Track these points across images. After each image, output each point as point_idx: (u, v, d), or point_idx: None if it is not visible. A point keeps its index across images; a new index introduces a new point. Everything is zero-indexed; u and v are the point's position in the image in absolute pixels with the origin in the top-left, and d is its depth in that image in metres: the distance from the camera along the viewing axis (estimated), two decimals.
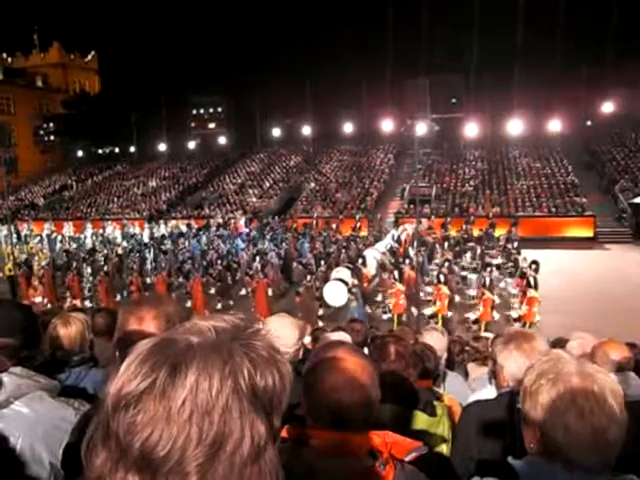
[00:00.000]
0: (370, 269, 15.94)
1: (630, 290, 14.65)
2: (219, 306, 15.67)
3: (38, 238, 26.63)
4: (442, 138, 34.28)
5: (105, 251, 22.36)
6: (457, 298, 15.03)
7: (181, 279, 17.71)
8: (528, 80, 36.54)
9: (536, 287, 12.90)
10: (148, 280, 18.19)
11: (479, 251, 18.38)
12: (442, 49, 40.80)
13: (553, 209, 25.34)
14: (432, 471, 1.26)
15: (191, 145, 44.90)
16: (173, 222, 29.19)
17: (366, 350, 2.74)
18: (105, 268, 18.33)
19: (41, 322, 2.22)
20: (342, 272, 13.76)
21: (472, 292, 14.99)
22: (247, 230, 25.68)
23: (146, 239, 25.58)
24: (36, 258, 21.46)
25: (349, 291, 13.09)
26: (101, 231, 27.99)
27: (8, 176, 34.10)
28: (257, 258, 17.56)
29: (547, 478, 1.13)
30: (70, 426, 1.45)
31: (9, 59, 56.95)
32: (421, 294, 14.55)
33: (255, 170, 37.78)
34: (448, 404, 2.44)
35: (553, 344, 4.25)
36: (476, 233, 22.10)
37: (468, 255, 17.91)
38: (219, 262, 18.02)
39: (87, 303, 16.20)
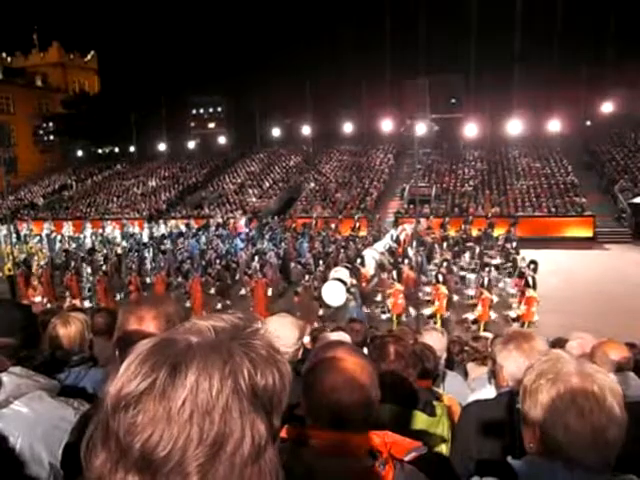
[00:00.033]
0: (369, 269, 15.95)
1: (629, 290, 14.65)
2: (219, 306, 15.67)
3: (37, 238, 26.60)
4: (442, 138, 34.31)
5: (105, 251, 22.36)
6: (455, 298, 15.05)
7: (180, 279, 17.72)
8: (528, 80, 36.58)
9: (534, 287, 12.90)
10: (148, 280, 18.20)
11: (478, 251, 18.39)
12: (442, 49, 40.79)
13: (553, 209, 25.35)
14: (431, 471, 1.26)
15: (191, 145, 44.90)
16: (173, 222, 29.20)
17: (366, 350, 2.74)
18: (104, 268, 18.34)
19: (40, 322, 2.23)
20: (340, 272, 13.76)
21: (471, 292, 15.01)
22: (247, 230, 25.68)
23: (145, 239, 25.59)
24: (35, 258, 21.44)
25: (348, 291, 13.10)
26: (101, 231, 27.98)
27: (8, 176, 34.10)
28: (256, 258, 17.56)
29: (547, 477, 1.13)
30: (70, 426, 1.45)
31: (9, 59, 56.92)
32: (419, 294, 14.57)
33: (255, 170, 37.78)
34: (447, 404, 2.45)
35: (552, 344, 4.25)
36: (475, 233, 22.11)
37: (467, 255, 17.92)
38: (218, 262, 18.02)
39: (87, 303, 16.19)
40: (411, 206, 26.27)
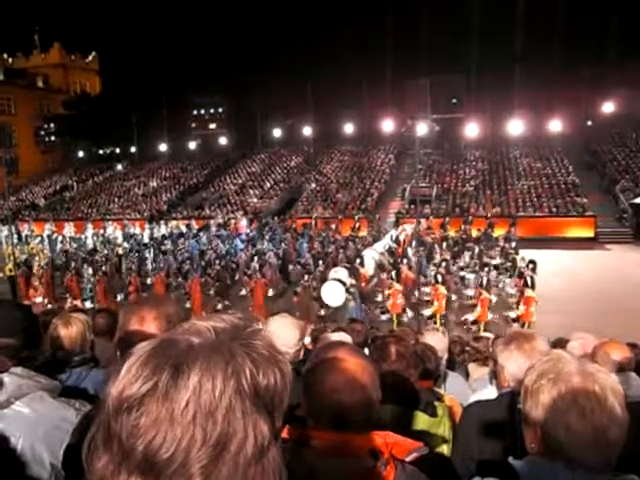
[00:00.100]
0: (368, 269, 15.96)
1: (631, 290, 14.64)
2: (219, 306, 15.67)
3: (39, 238, 26.65)
4: (443, 138, 34.32)
5: (105, 251, 22.38)
6: (453, 297, 15.04)
7: (180, 279, 17.73)
8: (529, 80, 36.55)
9: (533, 287, 12.88)
10: (148, 281, 18.20)
11: (477, 251, 18.38)
12: (443, 49, 40.82)
13: (554, 209, 25.33)
14: (433, 471, 1.26)
15: (192, 145, 44.94)
16: (173, 222, 29.22)
17: (366, 350, 2.74)
18: (103, 268, 18.35)
19: (42, 322, 2.22)
20: (340, 272, 13.77)
21: (470, 292, 15.01)
22: (248, 230, 25.70)
23: (146, 239, 25.61)
24: (36, 258, 21.46)
25: (347, 291, 13.11)
26: (102, 231, 28.01)
27: (9, 177, 34.19)
28: (255, 258, 17.57)
29: (548, 478, 1.13)
30: (71, 427, 1.45)
31: (10, 59, 56.98)
32: (416, 294, 14.59)
33: (256, 170, 37.78)
34: (449, 404, 2.44)
35: (554, 344, 4.24)
36: (475, 233, 22.11)
37: (467, 255, 17.91)
38: (217, 262, 18.03)
39: (88, 304, 16.20)
40: (412, 206, 26.27)
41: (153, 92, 45.86)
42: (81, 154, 47.92)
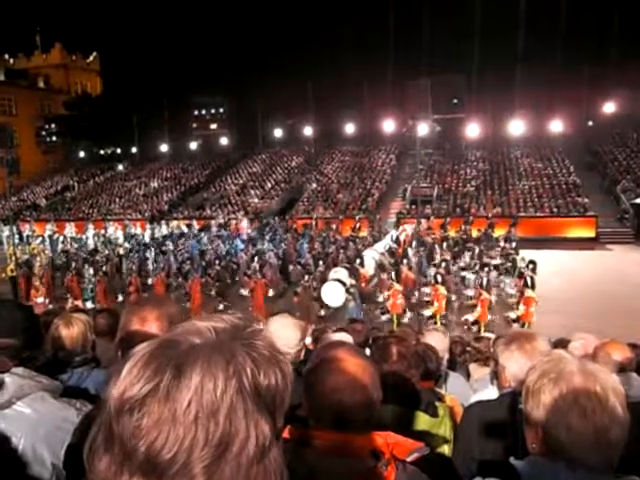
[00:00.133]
0: (368, 269, 15.96)
1: (632, 290, 14.62)
2: (221, 307, 15.68)
3: (40, 239, 26.65)
4: (444, 138, 34.29)
5: (107, 252, 22.39)
6: (454, 298, 15.03)
7: (180, 279, 17.73)
8: (530, 80, 36.53)
9: (533, 287, 12.87)
10: (149, 281, 18.21)
11: (477, 251, 18.37)
12: (444, 49, 40.79)
13: (555, 209, 25.32)
14: (434, 472, 1.26)
15: (193, 146, 44.96)
16: (174, 223, 29.23)
17: (367, 351, 2.74)
18: (104, 268, 18.36)
19: (43, 322, 2.23)
20: (340, 272, 13.79)
21: (470, 292, 15.00)
22: (249, 231, 25.70)
23: (147, 240, 25.62)
24: (38, 259, 21.47)
25: (347, 291, 13.12)
26: (103, 232, 28.02)
27: (10, 177, 34.05)
28: (255, 258, 17.57)
29: (550, 478, 1.13)
30: (72, 427, 1.45)
31: (11, 60, 57.02)
32: (416, 294, 14.58)
33: (257, 171, 37.80)
34: (450, 405, 2.44)
35: (555, 345, 4.24)
36: (475, 234, 22.09)
37: (467, 256, 17.89)
38: (217, 262, 18.03)
39: (89, 304, 16.21)
40: (413, 207, 26.26)
41: (154, 92, 45.91)
42: (82, 154, 47.96)
